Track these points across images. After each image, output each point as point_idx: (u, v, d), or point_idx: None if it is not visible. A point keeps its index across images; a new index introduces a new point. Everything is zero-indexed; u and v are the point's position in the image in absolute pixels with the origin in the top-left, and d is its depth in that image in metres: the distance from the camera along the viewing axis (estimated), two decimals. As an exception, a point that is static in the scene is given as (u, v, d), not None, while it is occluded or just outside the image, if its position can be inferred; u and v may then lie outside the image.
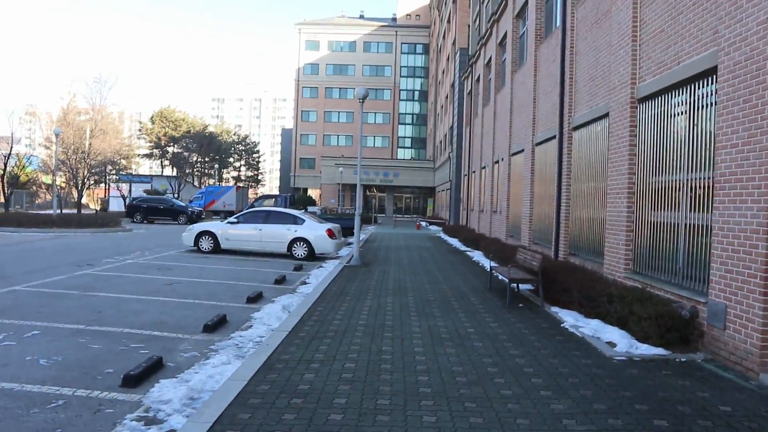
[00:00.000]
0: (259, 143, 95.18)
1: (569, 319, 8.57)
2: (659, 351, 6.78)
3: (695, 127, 7.71)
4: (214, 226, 19.48)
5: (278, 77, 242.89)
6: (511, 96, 20.60)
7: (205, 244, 19.13)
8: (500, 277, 10.80)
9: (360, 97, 16.23)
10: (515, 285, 11.29)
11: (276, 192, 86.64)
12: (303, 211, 20.14)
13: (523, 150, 18.29)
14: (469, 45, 37.22)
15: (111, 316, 8.94)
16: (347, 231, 25.96)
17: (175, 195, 49.89)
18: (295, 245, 18.51)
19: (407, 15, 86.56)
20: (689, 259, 7.67)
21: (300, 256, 18.37)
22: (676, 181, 8.14)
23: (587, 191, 12.14)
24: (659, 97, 8.74)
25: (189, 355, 7.02)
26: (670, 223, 8.23)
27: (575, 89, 13.18)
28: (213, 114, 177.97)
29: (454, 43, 45.96)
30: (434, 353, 6.66)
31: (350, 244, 25.56)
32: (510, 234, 20.37)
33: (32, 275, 12.58)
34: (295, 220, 18.85)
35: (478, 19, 32.86)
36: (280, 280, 13.50)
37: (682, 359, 6.60)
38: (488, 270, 14.64)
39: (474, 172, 30.40)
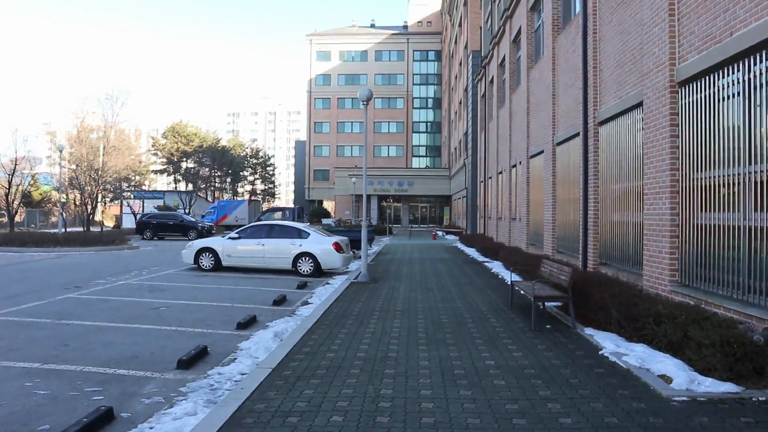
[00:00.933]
0: (273, 156, 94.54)
1: (608, 344, 7.18)
2: (729, 387, 5.39)
3: (755, 110, 6.35)
4: (214, 242, 18.34)
5: (292, 90, 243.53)
6: (527, 94, 19.26)
7: (206, 261, 18.00)
8: (523, 292, 9.49)
9: (363, 99, 15.03)
10: (541, 303, 9.94)
11: (291, 205, 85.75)
12: (308, 224, 18.86)
13: (542, 151, 16.95)
14: (481, 47, 35.96)
15: (76, 350, 7.75)
16: (359, 243, 24.78)
17: (187, 210, 49.05)
18: (300, 261, 17.30)
19: (418, 22, 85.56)
20: (757, 268, 6.28)
21: (305, 273, 17.16)
22: (733, 175, 6.77)
23: (619, 192, 10.77)
24: (706, 78, 7.39)
25: (150, 402, 5.79)
26: (728, 225, 6.85)
27: (600, 79, 11.84)
28: (228, 128, 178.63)
29: (466, 47, 44.76)
30: (445, 398, 5.33)
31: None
32: (531, 242, 18.97)
33: (9, 301, 11.49)
34: (300, 234, 17.65)
35: (489, 19, 31.61)
36: (280, 301, 12.27)
37: (761, 398, 5.21)
38: (508, 284, 13.30)
39: (490, 178, 29.04)
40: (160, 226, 38.44)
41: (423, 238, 41.17)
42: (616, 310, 7.75)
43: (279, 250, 17.48)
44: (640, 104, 9.52)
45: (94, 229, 50.50)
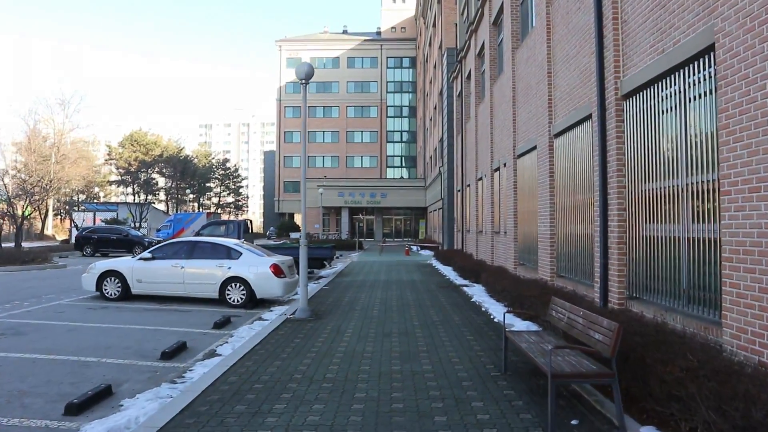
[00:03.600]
0: (246, 169, 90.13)
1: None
2: None
3: None
4: (122, 264, 14.43)
5: (266, 102, 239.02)
6: (512, 81, 15.81)
7: (111, 288, 14.11)
8: (524, 348, 5.86)
9: (302, 78, 11.42)
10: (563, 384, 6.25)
11: (241, 219, 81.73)
12: (241, 241, 15.05)
13: (534, 147, 13.46)
14: (456, 43, 32.68)
15: None
16: (317, 263, 21.01)
17: (137, 224, 44.72)
18: (229, 288, 13.53)
19: (392, 28, 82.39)
20: None
21: (236, 303, 13.42)
22: None
23: (662, 193, 7.24)
24: None
25: None
26: None
27: (625, 33, 8.35)
28: (201, 140, 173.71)
29: (440, 47, 41.54)
30: None
31: (321, 276, 20.57)
32: (520, 261, 15.43)
33: None
34: (230, 254, 13.87)
35: (466, 9, 28.35)
36: (173, 352, 8.52)
37: None
38: (496, 321, 9.72)
39: (468, 186, 25.55)
40: (102, 242, 34.22)
41: (395, 253, 37.46)
42: (707, 405, 4.16)
43: (202, 275, 13.70)
44: (709, 49, 6.02)
45: (41, 244, 46.09)
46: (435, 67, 47.00)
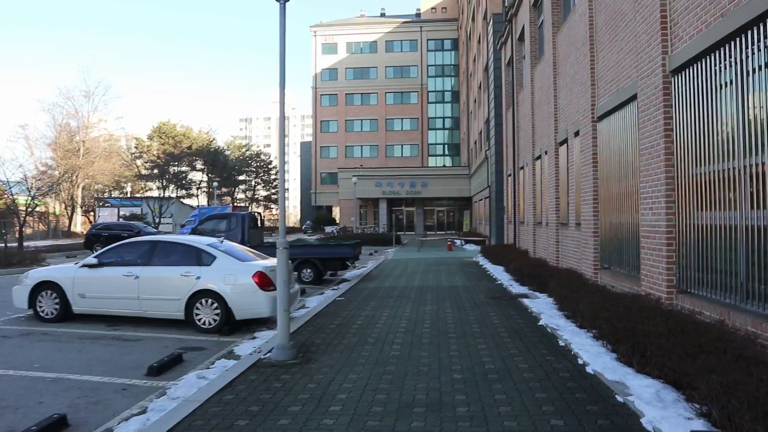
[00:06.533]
0: (271, 159, 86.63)
1: None
2: None
3: None
4: (61, 272, 10.78)
5: (306, 94, 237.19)
6: (590, 14, 11.47)
7: (47, 305, 10.54)
8: None
9: (280, -10, 7.45)
10: None
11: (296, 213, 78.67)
12: (217, 240, 11.13)
13: (632, 98, 9.15)
14: (504, 3, 28.16)
15: None
16: (337, 264, 17.01)
17: (156, 219, 41.77)
18: (199, 305, 9.76)
19: (432, 8, 77.58)
20: None
21: (207, 326, 9.66)
22: None
23: None
24: None
25: None
26: None
27: None
28: (241, 134, 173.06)
29: (485, 17, 37.00)
30: None
31: (346, 279, 16.39)
32: (603, 264, 11.14)
33: None
34: (199, 258, 10.07)
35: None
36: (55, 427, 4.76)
37: None
38: (593, 379, 5.55)
39: (522, 168, 21.19)
40: (113, 239, 31.12)
41: (436, 249, 33.26)
42: None
43: (163, 287, 9.97)
44: None
45: (62, 242, 43.79)
46: (479, 41, 42.41)
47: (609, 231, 10.72)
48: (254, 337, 9.25)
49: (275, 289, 9.66)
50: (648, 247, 8.25)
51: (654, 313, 6.70)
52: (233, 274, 9.78)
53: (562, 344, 7.57)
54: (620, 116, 9.98)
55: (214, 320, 9.69)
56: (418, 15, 79.28)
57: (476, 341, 7.97)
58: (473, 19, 48.48)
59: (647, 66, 8.18)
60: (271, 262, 10.37)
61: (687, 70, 7.25)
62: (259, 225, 20.45)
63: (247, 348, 8.34)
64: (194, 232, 18.66)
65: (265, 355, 7.48)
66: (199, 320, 9.75)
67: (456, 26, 74.22)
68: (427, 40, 76.53)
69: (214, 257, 10.03)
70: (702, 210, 6.94)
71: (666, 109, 7.65)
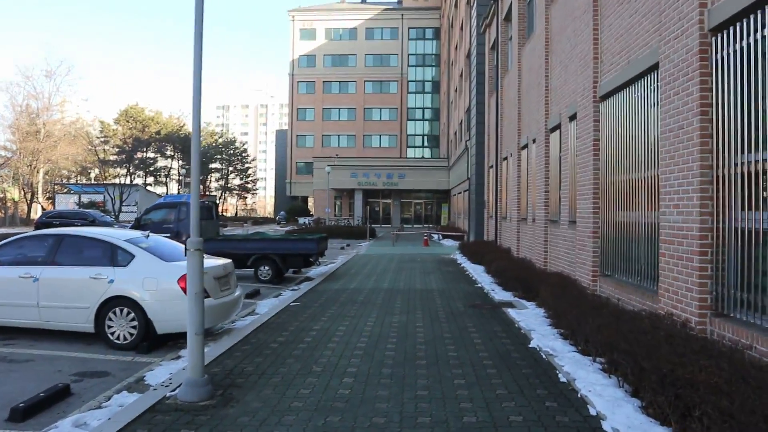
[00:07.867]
0: (245, 147, 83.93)
1: None
2: None
3: None
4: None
5: (285, 83, 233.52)
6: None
7: (-74, 312, 8.51)
8: None
9: None
10: None
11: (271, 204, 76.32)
12: (141, 234, 9.10)
13: (653, 67, 7.42)
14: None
15: None
16: (299, 260, 15.14)
17: (117, 207, 39.33)
18: (111, 315, 7.85)
19: (414, -4, 75.67)
20: None
21: (122, 341, 7.77)
22: None
23: None
24: None
25: None
26: None
27: None
28: (218, 122, 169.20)
29: (468, 2, 35.22)
30: None
31: (309, 277, 14.27)
32: (604, 270, 9.44)
33: None
34: (114, 256, 8.14)
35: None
36: None
37: None
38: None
39: (506, 158, 19.49)
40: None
41: (412, 243, 31.49)
42: None
43: (67, 292, 8.02)
44: None
45: (17, 230, 41.20)
46: (462, 28, 40.62)
47: (613, 231, 9.02)
48: (179, 357, 7.40)
49: (209, 296, 7.86)
50: (671, 255, 6.54)
51: (689, 345, 4.99)
52: (154, 277, 7.88)
53: (564, 380, 5.83)
54: (631, 93, 8.25)
55: (130, 334, 7.80)
56: (399, 2, 77.20)
57: (452, 372, 6.19)
58: (456, 5, 46.66)
59: (677, 25, 6.44)
60: (211, 261, 8.48)
61: (732, 27, 5.53)
62: (215, 216, 18.42)
63: (161, 374, 6.51)
64: (137, 223, 16.55)
65: (175, 390, 5.63)
66: (112, 334, 7.85)
67: (438, 15, 72.33)
68: (409, 28, 74.55)
69: (133, 256, 8.11)
70: (751, 210, 5.24)
71: (703, 78, 5.93)
